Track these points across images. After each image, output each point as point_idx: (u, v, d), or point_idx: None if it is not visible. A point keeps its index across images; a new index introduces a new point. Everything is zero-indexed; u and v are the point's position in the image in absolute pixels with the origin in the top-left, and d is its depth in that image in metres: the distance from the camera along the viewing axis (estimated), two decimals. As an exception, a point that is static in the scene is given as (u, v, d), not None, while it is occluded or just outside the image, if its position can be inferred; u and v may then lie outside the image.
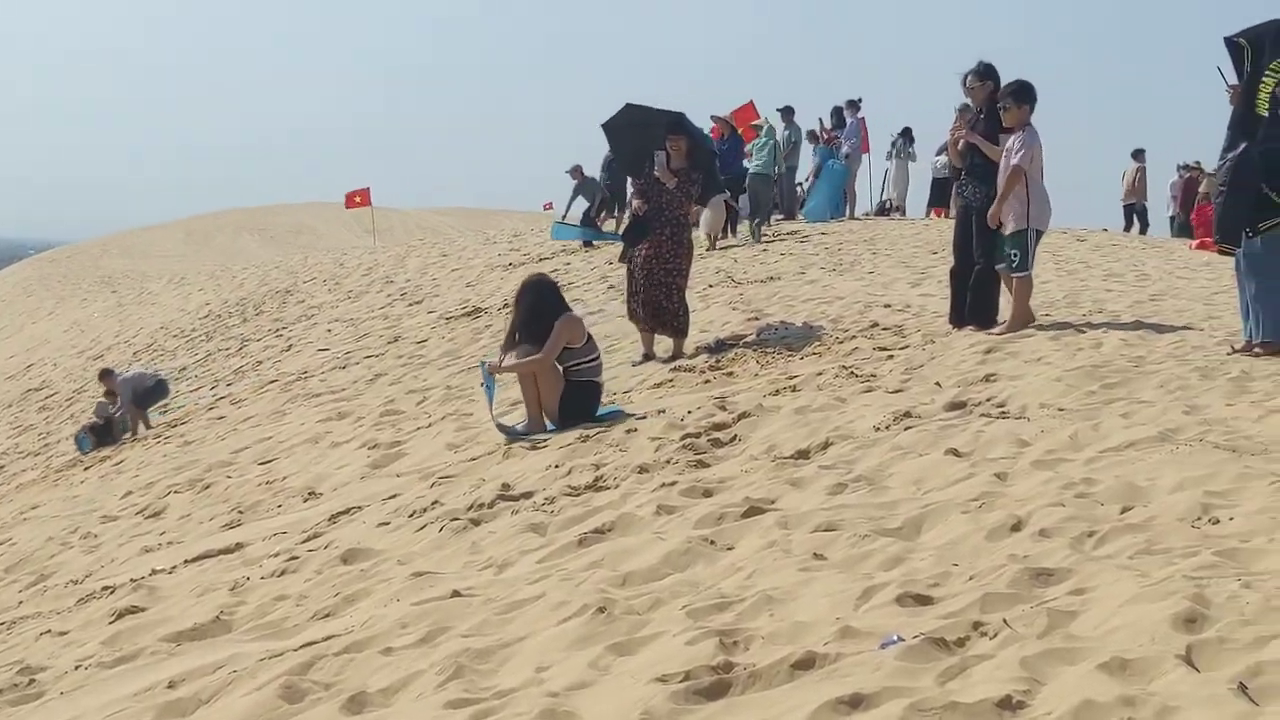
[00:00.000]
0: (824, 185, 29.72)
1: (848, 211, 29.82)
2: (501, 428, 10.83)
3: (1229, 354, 10.37)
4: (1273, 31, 10.32)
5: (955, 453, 7.92)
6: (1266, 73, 10.21)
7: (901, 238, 23.43)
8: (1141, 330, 11.77)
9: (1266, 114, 10.20)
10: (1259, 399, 8.70)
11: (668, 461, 8.89)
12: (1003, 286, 12.55)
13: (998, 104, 12.33)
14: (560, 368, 10.98)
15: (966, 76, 12.77)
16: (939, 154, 27.60)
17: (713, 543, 6.81)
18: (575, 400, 10.96)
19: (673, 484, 8.21)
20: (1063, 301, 13.99)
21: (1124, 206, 32.69)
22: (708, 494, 7.91)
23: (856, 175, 30.64)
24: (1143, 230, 31.60)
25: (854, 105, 30.39)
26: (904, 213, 31.23)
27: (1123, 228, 31.49)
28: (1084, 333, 11.73)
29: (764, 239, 24.46)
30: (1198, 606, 4.74)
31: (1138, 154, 32.70)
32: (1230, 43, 10.44)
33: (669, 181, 13.55)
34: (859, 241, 23.21)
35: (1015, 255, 12.24)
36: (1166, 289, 15.57)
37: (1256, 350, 10.25)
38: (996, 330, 12.11)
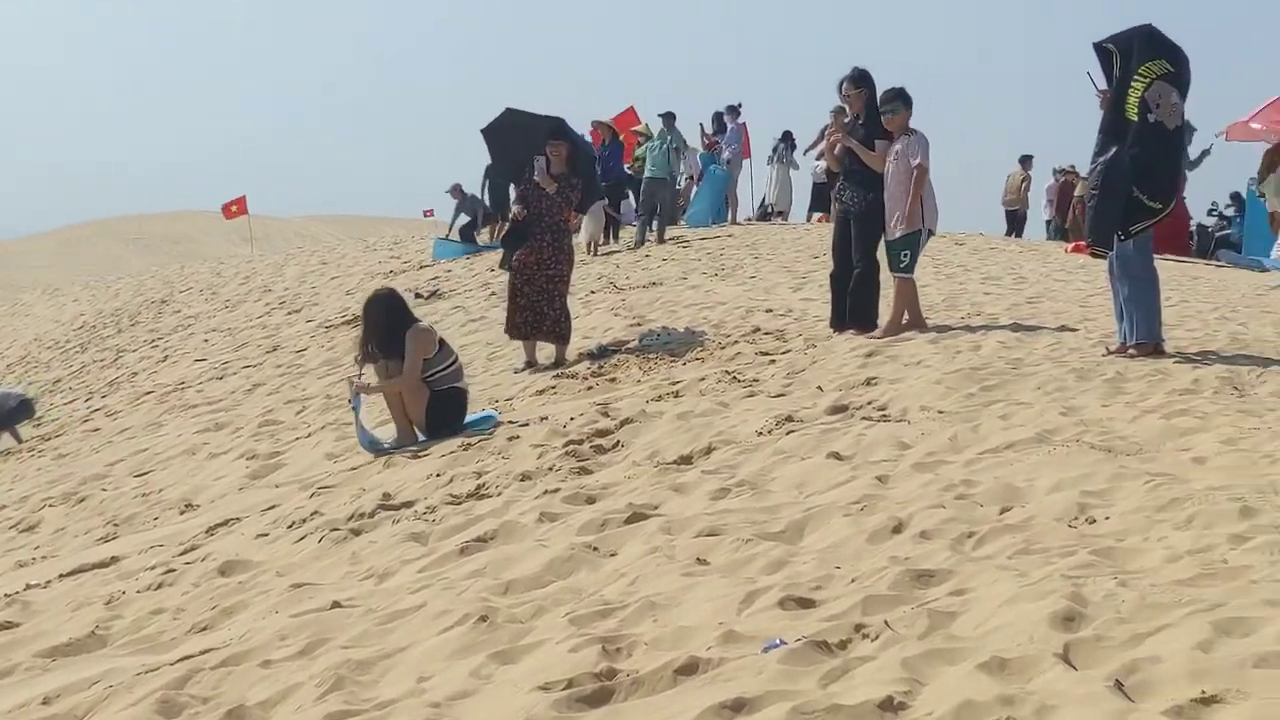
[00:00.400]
0: (706, 190, 29.81)
1: (730, 216, 29.89)
2: (372, 445, 10.70)
3: (1104, 355, 10.51)
4: (1141, 36, 10.48)
5: (837, 456, 7.96)
6: (1135, 77, 10.35)
7: (783, 242, 23.53)
8: (1019, 333, 11.91)
9: (1136, 118, 10.33)
10: (1133, 399, 8.83)
11: (550, 468, 8.85)
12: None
13: (883, 108, 12.46)
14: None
15: (843, 83, 12.86)
16: (819, 159, 27.77)
17: (596, 549, 6.78)
18: (441, 409, 10.82)
19: (555, 491, 8.17)
20: (942, 305, 14.12)
21: (1006, 211, 33.01)
22: (591, 500, 7.88)
23: (738, 180, 30.74)
24: (1018, 234, 31.91)
25: (734, 110, 30.48)
26: (786, 217, 31.36)
27: (1005, 232, 31.81)
28: (963, 336, 11.84)
29: (663, 241, 24.79)
30: (1075, 605, 4.79)
31: (1025, 160, 33.01)
32: (1100, 48, 10.57)
33: (549, 187, 13.51)
34: (741, 246, 23.27)
35: (906, 256, 12.40)
36: (1044, 292, 15.77)
37: (1131, 352, 10.40)
38: (876, 333, 12.21)
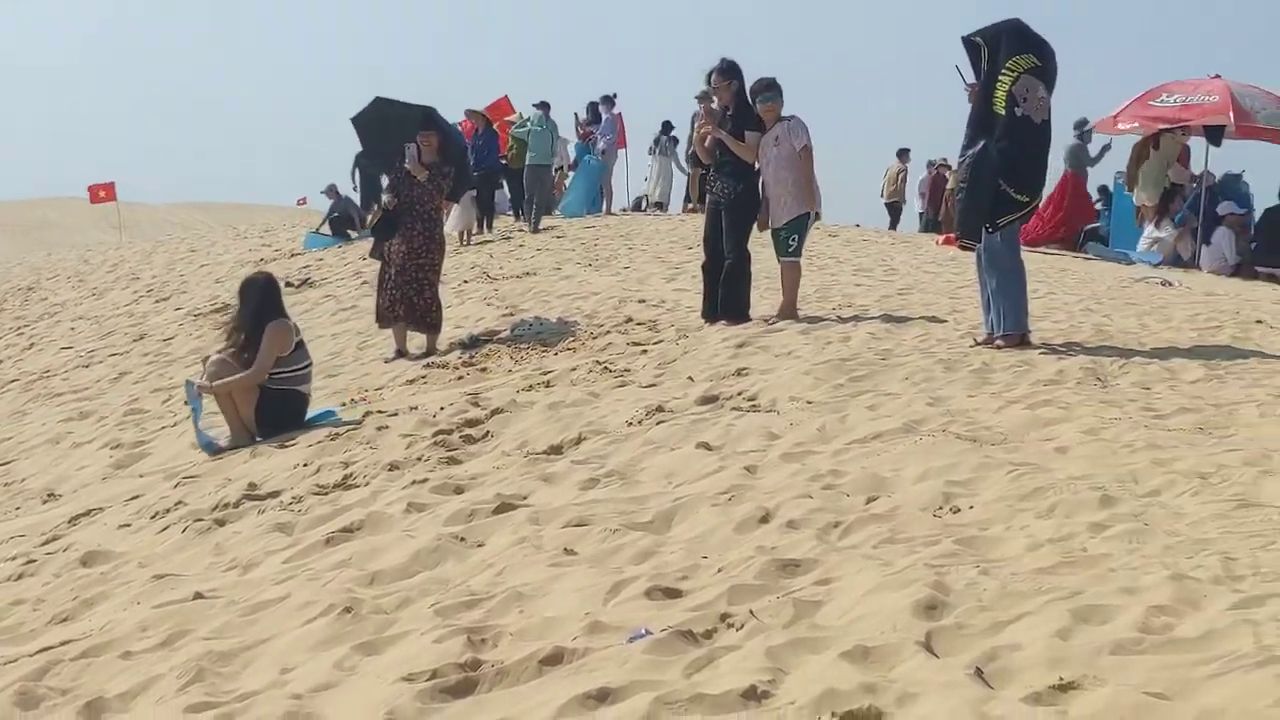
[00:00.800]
0: (580, 181, 29.80)
1: (605, 207, 29.90)
2: (208, 446, 10.45)
3: (972, 347, 10.62)
4: (1009, 30, 10.57)
5: (706, 446, 7.97)
6: (1003, 71, 10.44)
7: (658, 233, 23.56)
8: (889, 324, 11.99)
9: (1004, 112, 10.42)
10: (999, 390, 8.93)
11: (419, 459, 8.78)
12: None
13: (761, 97, 12.53)
14: None
15: (711, 74, 12.90)
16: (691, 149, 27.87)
17: (463, 540, 6.74)
18: (274, 410, 10.60)
19: (424, 481, 8.11)
20: (814, 296, 14.19)
21: (886, 204, 33.30)
22: (459, 491, 7.83)
23: (613, 171, 30.74)
24: (893, 226, 32.20)
25: (609, 101, 30.43)
26: (666, 208, 31.38)
27: (888, 225, 32.06)
28: (834, 327, 11.91)
29: (538, 231, 24.87)
30: (937, 594, 4.83)
31: (903, 153, 33.31)
32: (968, 42, 10.66)
33: (420, 175, 13.43)
34: (615, 237, 23.28)
35: (794, 240, 12.55)
36: (914, 283, 15.91)
37: (998, 343, 10.52)
38: (772, 318, 12.28)
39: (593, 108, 30.50)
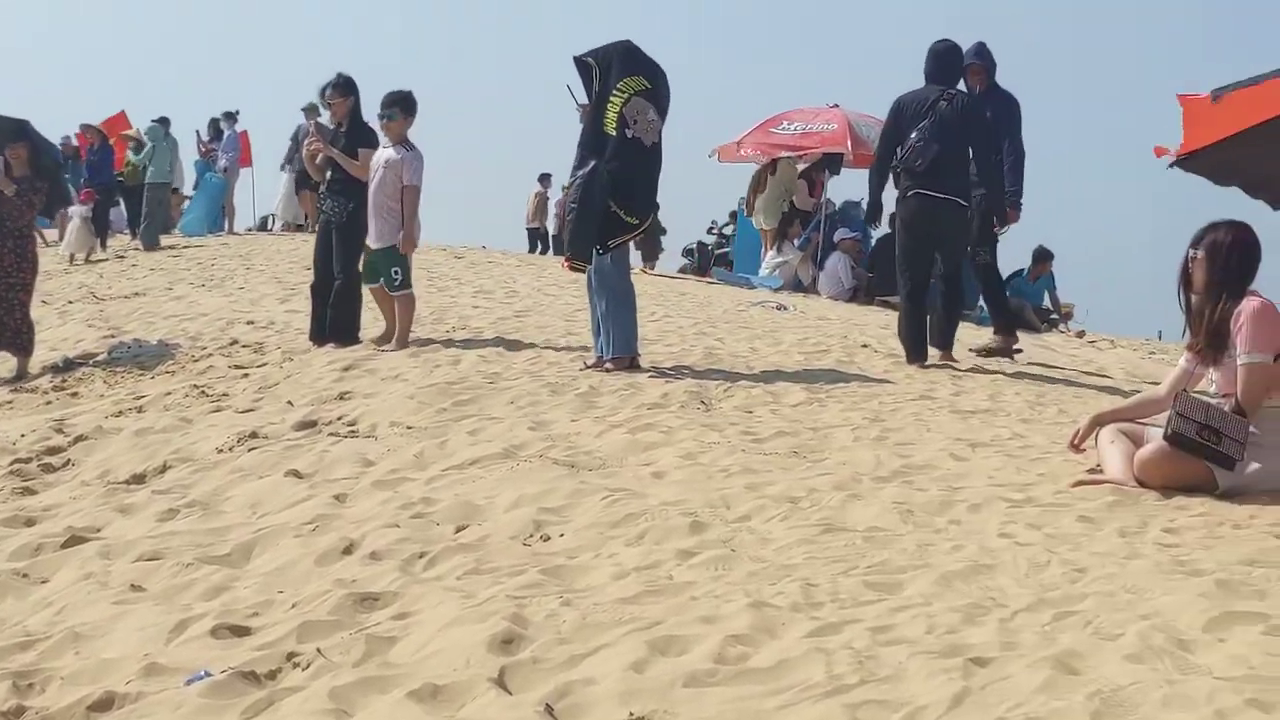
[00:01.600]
0: (201, 199, 29.00)
1: (226, 226, 29.12)
2: None
3: (581, 370, 10.51)
4: (620, 52, 10.54)
5: (296, 474, 7.65)
6: (614, 92, 10.41)
7: (279, 253, 22.99)
8: (501, 346, 11.81)
9: (615, 133, 10.39)
10: (603, 414, 8.83)
11: (-8, 490, 8.22)
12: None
13: (381, 112, 12.18)
14: None
15: (326, 89, 12.52)
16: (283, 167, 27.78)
17: (26, 576, 6.30)
18: None
19: (-6, 513, 7.57)
20: (429, 318, 13.93)
21: (527, 229, 33.25)
22: (30, 523, 7.32)
23: (235, 189, 29.93)
24: (532, 251, 32.10)
25: (231, 117, 29.61)
26: (307, 228, 30.64)
27: (528, 250, 31.95)
28: (445, 350, 11.66)
29: (154, 250, 24.01)
30: (515, 627, 4.66)
31: (544, 178, 33.27)
32: (579, 62, 10.59)
33: (8, 190, 12.70)
34: (234, 256, 22.63)
35: (398, 273, 12.19)
36: (533, 305, 15.80)
37: (607, 366, 10.44)
38: (388, 348, 11.91)
39: (214, 124, 29.67)
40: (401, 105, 12.22)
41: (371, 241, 12.25)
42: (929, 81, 11.74)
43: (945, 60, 11.85)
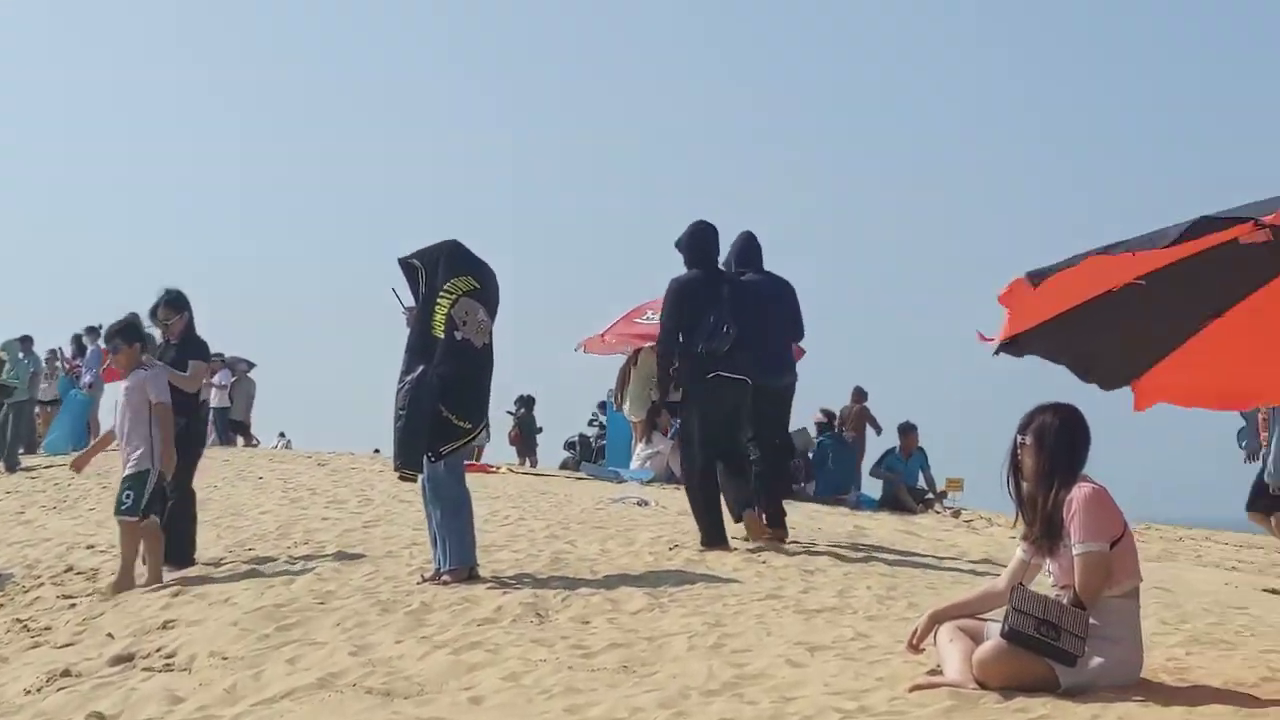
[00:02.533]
0: (65, 416, 28.47)
1: (90, 443, 28.49)
2: None
3: (419, 583, 10.13)
4: (446, 252, 10.37)
5: (100, 717, 7.22)
6: (441, 294, 10.21)
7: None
8: (341, 562, 11.37)
9: (443, 335, 10.17)
10: (431, 633, 8.46)
11: None
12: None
13: (107, 346, 11.89)
14: None
15: (158, 308, 12.09)
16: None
17: None
18: None
19: None
20: (275, 534, 13.50)
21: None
22: None
23: (99, 404, 29.38)
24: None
25: (94, 332, 29.13)
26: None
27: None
28: (282, 568, 11.23)
29: (14, 470, 23.32)
30: None
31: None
32: (405, 264, 10.40)
33: None
34: (92, 475, 21.96)
35: (129, 497, 11.16)
36: (384, 514, 15.38)
37: (444, 579, 10.07)
38: (142, 583, 11.00)
39: (77, 340, 29.28)
40: (123, 335, 11.50)
41: (125, 469, 11.43)
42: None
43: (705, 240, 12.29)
